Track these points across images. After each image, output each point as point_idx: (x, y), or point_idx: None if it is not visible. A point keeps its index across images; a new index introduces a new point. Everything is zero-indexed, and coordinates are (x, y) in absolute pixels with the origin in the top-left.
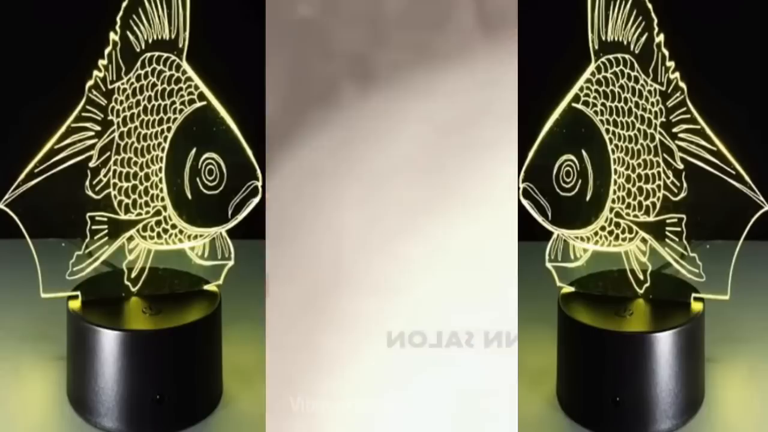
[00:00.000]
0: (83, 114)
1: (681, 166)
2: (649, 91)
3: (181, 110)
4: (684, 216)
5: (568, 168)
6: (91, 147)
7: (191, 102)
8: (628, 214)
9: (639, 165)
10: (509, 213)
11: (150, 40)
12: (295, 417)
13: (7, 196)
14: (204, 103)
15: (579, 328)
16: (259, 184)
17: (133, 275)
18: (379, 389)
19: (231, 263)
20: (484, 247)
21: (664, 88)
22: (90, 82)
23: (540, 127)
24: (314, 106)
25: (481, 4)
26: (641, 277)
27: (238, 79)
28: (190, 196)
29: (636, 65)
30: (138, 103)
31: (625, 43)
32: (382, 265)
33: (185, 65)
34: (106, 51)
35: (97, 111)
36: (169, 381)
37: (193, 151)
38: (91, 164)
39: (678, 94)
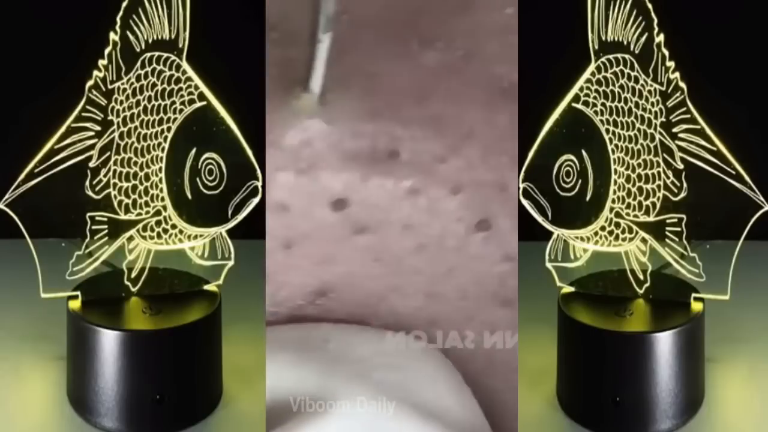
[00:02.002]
0: (83, 114)
1: (681, 166)
2: (649, 91)
3: (181, 110)
4: (684, 216)
5: (568, 168)
6: (91, 147)
7: (191, 102)
8: (628, 214)
9: (639, 165)
10: None
11: (150, 40)
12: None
13: (7, 196)
14: (204, 103)
15: (579, 328)
16: (259, 184)
17: (133, 275)
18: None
19: (231, 263)
20: None
21: (664, 88)
22: (90, 82)
23: (540, 127)
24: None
25: None
26: (641, 277)
27: (238, 79)
28: (190, 196)
29: (636, 65)
30: (138, 103)
31: (625, 43)
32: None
33: (185, 65)
34: (106, 51)
35: (97, 111)
36: (169, 381)
37: (193, 151)
38: (91, 164)
39: (678, 94)
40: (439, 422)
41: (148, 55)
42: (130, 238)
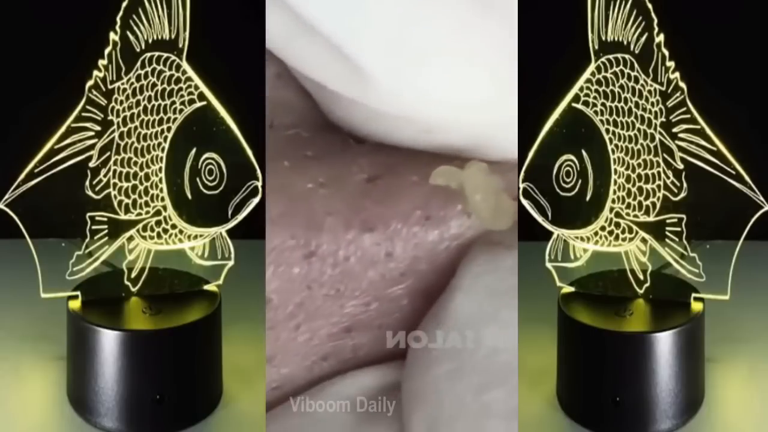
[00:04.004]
0: (83, 114)
1: (681, 166)
2: (649, 91)
3: (181, 110)
4: (684, 216)
5: (568, 168)
6: (91, 147)
7: (191, 102)
8: (628, 214)
9: (639, 165)
10: None
11: (150, 40)
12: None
13: (7, 196)
14: (204, 103)
15: (579, 328)
16: (259, 184)
17: (133, 275)
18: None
19: (231, 263)
20: None
21: (664, 88)
22: (90, 82)
23: (540, 127)
24: None
25: None
26: (641, 277)
27: (238, 79)
28: (190, 196)
29: (636, 65)
30: (138, 103)
31: (625, 43)
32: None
33: (185, 65)
34: (106, 51)
35: (97, 111)
36: (169, 381)
37: (193, 151)
38: (91, 164)
39: (678, 94)
40: None
41: (148, 55)
42: (130, 238)
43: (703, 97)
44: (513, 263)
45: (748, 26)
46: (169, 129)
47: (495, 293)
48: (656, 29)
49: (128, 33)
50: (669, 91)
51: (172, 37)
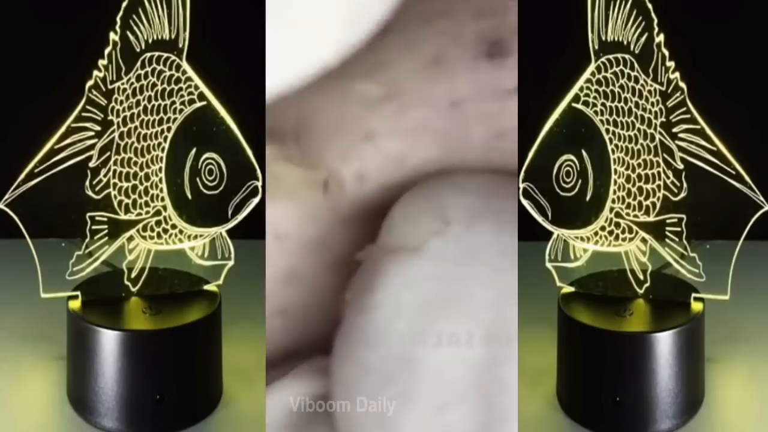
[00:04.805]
0: (83, 114)
1: (681, 166)
2: (649, 91)
3: (181, 110)
4: (684, 216)
5: (568, 168)
6: (91, 147)
7: (191, 102)
8: (628, 214)
9: (639, 165)
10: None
11: (150, 40)
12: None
13: (7, 196)
14: (204, 103)
15: (579, 328)
16: (259, 184)
17: (133, 275)
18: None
19: (231, 263)
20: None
21: (664, 88)
22: (90, 82)
23: (540, 127)
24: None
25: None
26: (641, 277)
27: (238, 79)
28: (190, 196)
29: (636, 65)
30: (138, 103)
31: (625, 43)
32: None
33: (185, 65)
34: (106, 51)
35: (97, 111)
36: (169, 381)
37: (193, 151)
38: (91, 164)
39: (678, 94)
40: None
41: (148, 55)
42: (130, 238)
43: (703, 97)
44: (430, 271)
45: (748, 26)
46: (169, 129)
47: (424, 308)
48: (656, 29)
49: (128, 33)
50: (669, 91)
51: (172, 37)
